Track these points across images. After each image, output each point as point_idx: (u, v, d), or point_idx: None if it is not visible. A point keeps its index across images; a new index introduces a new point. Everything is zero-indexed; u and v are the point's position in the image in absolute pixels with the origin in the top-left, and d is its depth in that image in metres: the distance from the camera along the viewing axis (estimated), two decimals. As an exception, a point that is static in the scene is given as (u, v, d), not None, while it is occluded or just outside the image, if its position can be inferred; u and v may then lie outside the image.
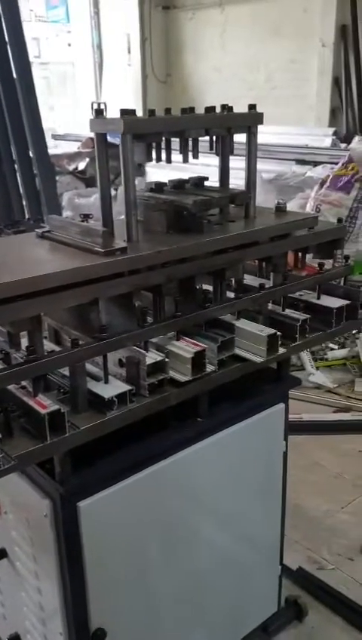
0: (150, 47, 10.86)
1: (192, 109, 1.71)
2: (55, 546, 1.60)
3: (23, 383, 1.49)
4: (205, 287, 1.87)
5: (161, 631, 1.89)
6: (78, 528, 1.57)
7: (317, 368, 4.50)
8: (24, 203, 6.19)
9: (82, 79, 12.17)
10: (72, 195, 7.45)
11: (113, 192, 7.79)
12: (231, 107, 1.79)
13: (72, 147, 8.83)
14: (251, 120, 1.82)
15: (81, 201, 7.32)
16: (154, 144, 1.67)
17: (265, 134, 6.80)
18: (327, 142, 7.18)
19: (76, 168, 8.16)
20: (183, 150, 1.69)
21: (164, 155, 1.73)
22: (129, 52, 11.19)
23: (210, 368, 1.66)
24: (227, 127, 1.80)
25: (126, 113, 1.52)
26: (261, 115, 1.82)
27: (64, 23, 12.35)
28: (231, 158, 1.97)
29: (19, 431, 1.43)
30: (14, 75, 5.88)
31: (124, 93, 11.14)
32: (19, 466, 1.36)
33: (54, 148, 8.55)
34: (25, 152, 6.04)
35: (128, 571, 1.72)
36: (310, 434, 3.77)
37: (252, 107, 1.82)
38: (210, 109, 1.71)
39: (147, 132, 1.58)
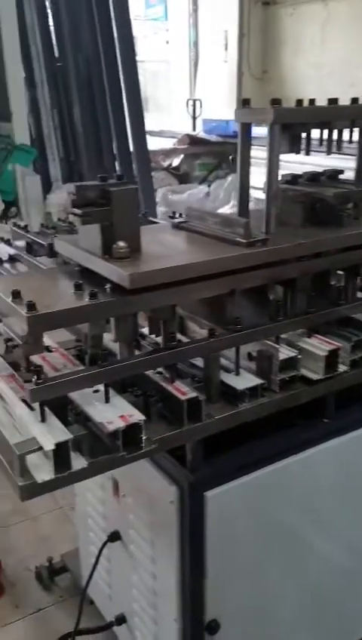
0: (248, 44, 10.79)
1: (335, 100, 1.67)
2: (178, 533, 1.61)
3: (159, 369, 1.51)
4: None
5: (271, 630, 1.87)
6: (202, 517, 1.58)
7: None
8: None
9: (176, 77, 12.27)
10: (166, 191, 7.52)
11: (206, 189, 7.79)
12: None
13: (167, 144, 8.92)
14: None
15: (175, 198, 7.38)
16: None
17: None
18: None
19: (170, 165, 8.24)
20: (328, 141, 1.66)
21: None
22: (226, 49, 11.16)
23: (342, 368, 1.62)
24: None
25: (275, 103, 1.50)
26: None
27: (162, 20, 12.49)
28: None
29: (155, 416, 1.45)
30: (120, 73, 6.01)
31: (219, 91, 11.13)
32: (158, 449, 1.38)
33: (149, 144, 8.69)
34: (126, 148, 6.17)
35: (246, 566, 1.71)
36: None
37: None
38: (355, 100, 1.67)
39: (294, 122, 1.56)
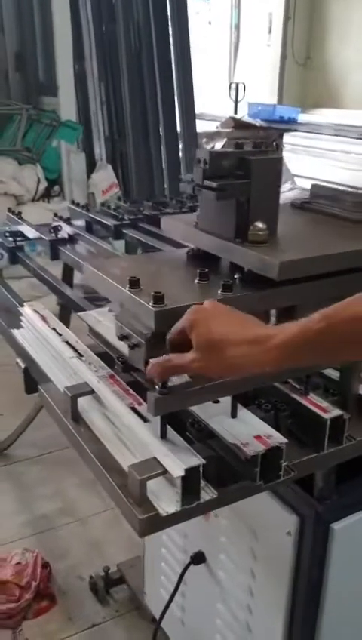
0: (292, 28, 10.41)
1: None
2: (291, 569, 1.38)
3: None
4: None
5: None
6: (325, 552, 1.34)
7: None
8: (165, 183, 6.05)
9: (216, 59, 11.90)
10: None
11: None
12: None
13: (207, 127, 8.62)
14: None
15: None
16: None
17: None
18: None
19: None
20: None
21: None
22: (269, 32, 10.79)
23: None
24: None
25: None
26: None
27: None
28: None
29: (284, 434, 1.21)
30: (172, 54, 5.73)
31: (259, 76, 10.78)
32: (296, 477, 1.14)
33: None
34: (173, 132, 5.90)
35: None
36: None
37: None
38: None
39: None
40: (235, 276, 1.16)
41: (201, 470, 1.02)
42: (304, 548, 1.34)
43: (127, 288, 1.09)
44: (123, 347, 1.22)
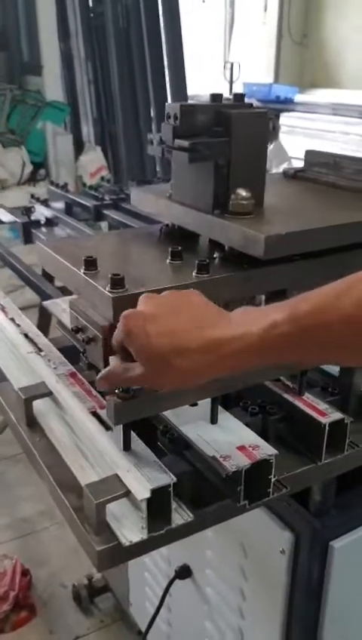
0: (288, 5, 10.12)
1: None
2: (286, 591, 1.20)
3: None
4: None
5: None
6: (323, 573, 1.16)
7: None
8: (157, 166, 5.83)
9: (210, 38, 11.59)
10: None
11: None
12: None
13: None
14: None
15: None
16: None
17: None
18: None
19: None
20: None
21: None
22: (265, 10, 10.49)
23: None
24: None
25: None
26: None
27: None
28: None
29: (274, 441, 1.02)
30: (162, 33, 5.50)
31: (255, 54, 10.49)
32: (288, 492, 0.96)
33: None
34: (164, 110, 5.64)
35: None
36: None
37: None
38: None
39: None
40: (214, 256, 0.97)
41: (172, 490, 0.84)
42: (299, 568, 1.16)
43: (81, 270, 0.90)
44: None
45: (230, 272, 0.92)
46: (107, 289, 0.84)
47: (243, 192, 0.95)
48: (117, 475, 0.86)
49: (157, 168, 5.84)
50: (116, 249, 1.06)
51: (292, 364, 0.82)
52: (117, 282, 0.84)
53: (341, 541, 1.14)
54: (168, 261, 0.96)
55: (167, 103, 0.97)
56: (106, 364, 0.88)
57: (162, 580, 1.68)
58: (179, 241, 1.04)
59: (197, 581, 1.54)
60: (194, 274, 0.90)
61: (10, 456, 2.96)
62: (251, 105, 1.00)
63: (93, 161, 5.17)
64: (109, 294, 0.83)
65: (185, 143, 0.92)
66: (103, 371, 0.80)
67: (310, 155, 1.28)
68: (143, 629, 1.93)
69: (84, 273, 0.90)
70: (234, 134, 0.94)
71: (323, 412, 0.99)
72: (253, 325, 0.69)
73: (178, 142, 0.93)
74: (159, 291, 0.86)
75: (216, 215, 0.97)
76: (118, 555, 0.83)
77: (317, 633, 1.23)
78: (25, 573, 2.26)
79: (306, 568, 1.16)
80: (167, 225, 1.12)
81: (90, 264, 0.90)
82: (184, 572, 1.56)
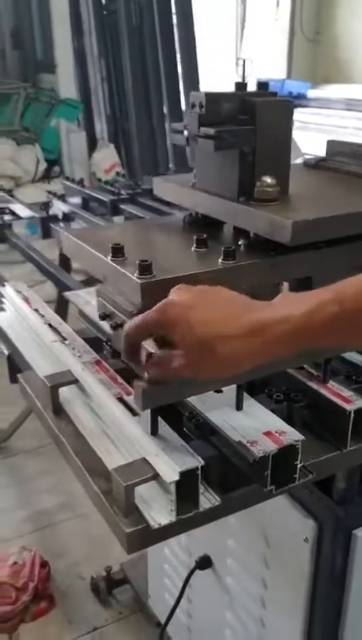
0: (301, 1, 10.08)
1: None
2: (309, 580, 1.21)
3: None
4: None
5: None
6: (347, 562, 1.17)
7: None
8: (170, 163, 5.84)
9: (223, 35, 11.57)
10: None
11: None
12: None
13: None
14: None
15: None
16: None
17: None
18: None
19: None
20: None
21: None
22: (277, 5, 10.46)
23: None
24: None
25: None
26: None
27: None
28: None
29: (300, 428, 1.03)
30: (175, 30, 5.50)
31: (267, 51, 10.46)
32: (314, 479, 0.96)
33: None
34: (177, 109, 5.67)
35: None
36: None
37: None
38: None
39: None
40: (239, 242, 0.98)
41: (200, 473, 0.84)
42: (323, 557, 1.17)
43: (108, 257, 0.91)
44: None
45: (256, 259, 0.92)
46: (135, 275, 0.85)
47: (268, 179, 0.95)
48: (145, 459, 0.87)
49: (170, 165, 5.85)
50: (141, 237, 1.07)
51: (332, 348, 0.81)
52: (145, 268, 0.85)
53: (364, 529, 1.14)
54: (193, 249, 0.96)
55: (191, 92, 0.97)
56: (133, 347, 0.89)
57: (182, 570, 1.69)
58: (203, 229, 1.04)
59: (217, 571, 1.55)
60: (220, 261, 0.91)
61: (30, 450, 2.99)
62: (275, 94, 1.01)
63: (107, 158, 5.19)
64: (138, 280, 0.84)
65: (211, 131, 0.93)
66: (155, 354, 0.78)
67: (331, 145, 1.29)
68: (162, 621, 1.94)
69: (111, 260, 0.90)
70: (259, 122, 0.95)
71: (347, 399, 0.99)
72: (296, 309, 0.69)
73: (203, 130, 0.94)
74: (187, 278, 0.87)
75: (242, 202, 0.98)
76: (147, 537, 0.84)
77: (340, 622, 1.23)
78: (44, 564, 2.28)
79: (329, 557, 1.16)
80: (191, 214, 1.12)
81: (118, 251, 0.91)
82: (204, 562, 1.57)
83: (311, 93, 8.45)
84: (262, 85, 1.00)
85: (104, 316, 0.93)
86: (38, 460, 2.94)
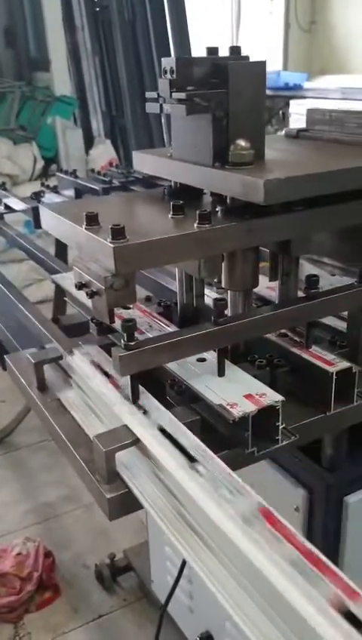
0: (296, -9, 10.03)
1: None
2: (302, 550, 1.20)
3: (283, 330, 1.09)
4: None
5: None
6: (339, 530, 1.16)
7: None
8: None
9: (218, 29, 11.53)
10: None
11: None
12: None
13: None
14: None
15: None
16: None
17: None
18: None
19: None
20: None
21: None
22: (272, -2, 10.41)
23: None
24: None
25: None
26: None
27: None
28: None
29: (284, 394, 1.02)
30: (168, 23, 5.48)
31: (263, 43, 10.42)
32: (298, 442, 0.95)
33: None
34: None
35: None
36: None
37: None
38: None
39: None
40: (217, 209, 0.98)
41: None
42: (315, 525, 1.16)
43: (82, 226, 0.90)
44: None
45: (231, 223, 0.92)
46: (108, 240, 0.84)
47: (242, 142, 0.95)
48: (125, 426, 0.87)
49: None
50: (119, 208, 1.06)
51: None
52: (118, 232, 0.84)
53: (356, 496, 1.13)
54: (170, 215, 0.96)
55: (163, 58, 0.97)
56: (111, 315, 0.89)
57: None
58: (182, 199, 1.04)
59: (215, 550, 1.54)
60: (195, 225, 0.90)
61: (32, 444, 3.00)
62: (247, 57, 1.00)
63: (104, 154, 5.18)
64: (110, 245, 0.84)
65: (182, 95, 0.92)
66: None
67: (311, 112, 1.28)
68: (170, 610, 1.94)
69: (85, 228, 0.90)
70: (232, 84, 0.94)
71: (330, 362, 0.98)
72: None
73: (175, 95, 0.93)
74: (161, 241, 0.87)
75: (217, 167, 0.97)
76: (130, 503, 0.84)
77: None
78: (48, 554, 2.29)
79: (321, 525, 1.16)
80: (171, 186, 1.12)
81: (92, 219, 0.90)
82: (202, 541, 1.57)
83: (307, 84, 8.41)
84: (235, 49, 0.99)
85: (80, 285, 0.93)
86: (40, 454, 2.95)
